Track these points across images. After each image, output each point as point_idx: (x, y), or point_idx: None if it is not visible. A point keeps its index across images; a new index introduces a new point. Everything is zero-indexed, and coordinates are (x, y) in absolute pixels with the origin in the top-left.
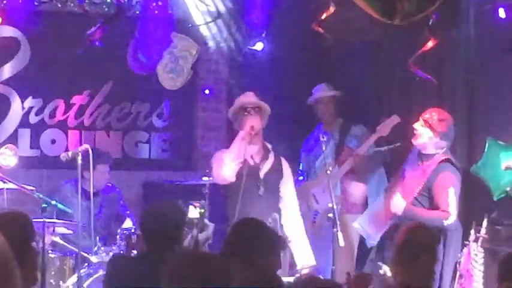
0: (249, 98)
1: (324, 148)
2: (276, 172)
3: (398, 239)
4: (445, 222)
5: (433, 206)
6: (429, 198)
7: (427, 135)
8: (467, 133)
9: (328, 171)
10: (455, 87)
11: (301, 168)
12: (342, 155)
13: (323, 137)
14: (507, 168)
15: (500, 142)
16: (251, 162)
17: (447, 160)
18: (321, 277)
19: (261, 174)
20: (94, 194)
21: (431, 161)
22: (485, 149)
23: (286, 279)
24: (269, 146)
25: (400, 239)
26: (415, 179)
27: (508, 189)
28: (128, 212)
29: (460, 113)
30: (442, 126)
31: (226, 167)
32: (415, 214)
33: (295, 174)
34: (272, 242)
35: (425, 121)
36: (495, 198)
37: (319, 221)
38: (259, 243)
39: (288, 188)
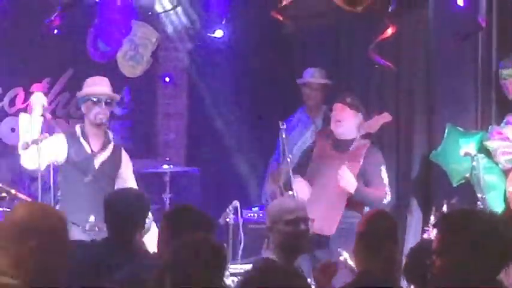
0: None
1: (285, 136)
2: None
3: (359, 228)
4: (385, 201)
5: (368, 186)
6: (364, 180)
7: (355, 119)
8: (426, 120)
9: (288, 159)
10: (413, 74)
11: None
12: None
13: (283, 125)
14: (466, 154)
15: (460, 128)
16: None
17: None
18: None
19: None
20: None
21: (357, 144)
22: (445, 136)
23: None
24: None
25: (361, 227)
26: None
27: (467, 175)
28: None
29: (419, 99)
30: (362, 105)
31: None
32: (365, 194)
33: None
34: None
35: (350, 105)
36: (454, 184)
37: None
38: None
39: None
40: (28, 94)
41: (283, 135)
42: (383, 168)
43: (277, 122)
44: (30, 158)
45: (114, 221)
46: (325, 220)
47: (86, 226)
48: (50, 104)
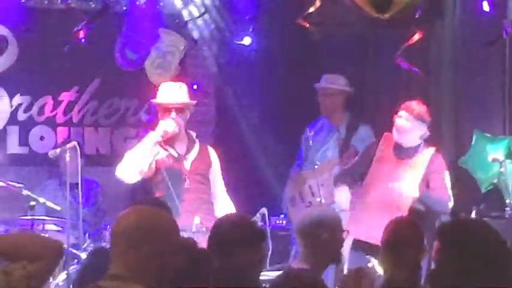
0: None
1: (310, 142)
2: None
3: (384, 235)
4: (450, 204)
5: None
6: (427, 186)
7: (417, 127)
8: (454, 125)
9: (316, 166)
10: (441, 80)
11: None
12: (347, 153)
13: (310, 132)
14: (494, 160)
15: (487, 134)
16: None
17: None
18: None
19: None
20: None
21: (420, 151)
22: (473, 142)
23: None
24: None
25: (386, 234)
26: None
27: (495, 181)
28: None
29: (447, 105)
30: (429, 114)
31: None
32: (430, 197)
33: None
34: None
35: (414, 114)
36: (483, 191)
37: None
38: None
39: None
40: (57, 102)
41: (310, 142)
42: (447, 175)
43: (304, 129)
44: (132, 171)
45: None
46: (377, 229)
47: (193, 227)
48: (78, 112)
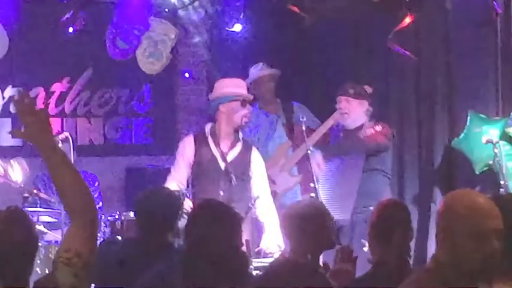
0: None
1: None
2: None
3: (372, 216)
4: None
5: None
6: None
7: (361, 107)
8: (448, 107)
9: (309, 151)
10: (433, 62)
11: None
12: (295, 134)
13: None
14: (488, 142)
15: (482, 115)
16: None
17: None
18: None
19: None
20: None
21: (367, 127)
22: (467, 123)
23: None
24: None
25: (374, 216)
26: None
27: (490, 162)
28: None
29: (440, 87)
30: (367, 89)
31: None
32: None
33: None
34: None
35: (355, 95)
36: (477, 172)
37: (278, 201)
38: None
39: None
40: (48, 94)
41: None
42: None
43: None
44: None
45: (145, 220)
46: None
47: None
48: (70, 103)
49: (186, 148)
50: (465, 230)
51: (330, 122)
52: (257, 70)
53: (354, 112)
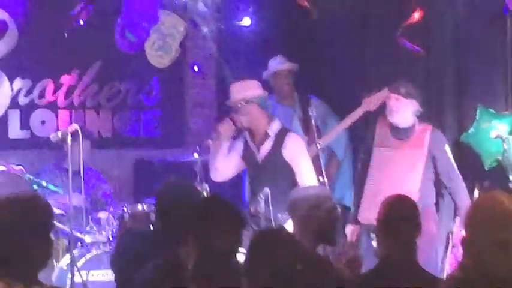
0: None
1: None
2: None
3: (379, 213)
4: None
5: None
6: (435, 169)
7: (409, 106)
8: (457, 101)
9: (319, 145)
10: (443, 57)
11: None
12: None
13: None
14: (497, 136)
15: (491, 110)
16: None
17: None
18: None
19: None
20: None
21: (418, 131)
22: (476, 117)
23: None
24: None
25: (382, 212)
26: (405, 155)
27: (499, 157)
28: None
29: (450, 81)
30: (416, 91)
31: None
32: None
33: None
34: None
35: (406, 94)
36: (486, 167)
37: None
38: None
39: None
40: (57, 86)
41: (314, 113)
42: (447, 149)
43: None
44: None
45: (162, 212)
46: None
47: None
48: (79, 95)
49: None
50: (490, 238)
51: (347, 122)
52: (276, 63)
53: (403, 111)
